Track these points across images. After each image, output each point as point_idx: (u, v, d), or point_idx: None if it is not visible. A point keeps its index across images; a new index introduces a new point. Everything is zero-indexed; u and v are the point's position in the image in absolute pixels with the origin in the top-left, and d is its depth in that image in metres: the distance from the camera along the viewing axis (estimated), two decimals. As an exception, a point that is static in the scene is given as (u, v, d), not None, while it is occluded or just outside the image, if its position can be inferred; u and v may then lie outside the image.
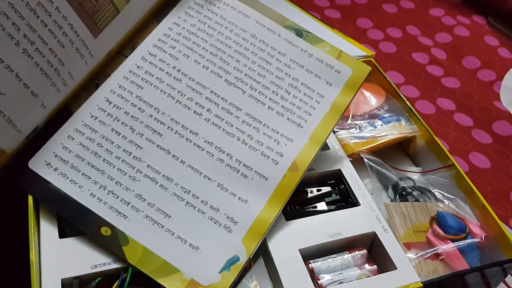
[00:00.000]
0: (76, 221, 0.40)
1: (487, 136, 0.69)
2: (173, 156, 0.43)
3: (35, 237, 0.40)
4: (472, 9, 0.94)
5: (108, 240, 0.40)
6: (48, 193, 0.41)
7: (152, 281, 0.39)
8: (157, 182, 0.42)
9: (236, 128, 0.45)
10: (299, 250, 0.42)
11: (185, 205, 0.42)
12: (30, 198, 0.41)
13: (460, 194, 0.50)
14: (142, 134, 0.44)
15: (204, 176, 0.43)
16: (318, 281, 0.41)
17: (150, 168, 0.43)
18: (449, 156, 0.51)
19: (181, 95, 0.46)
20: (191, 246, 0.40)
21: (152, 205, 0.41)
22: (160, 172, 0.43)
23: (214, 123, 0.45)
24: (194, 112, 0.45)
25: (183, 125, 0.45)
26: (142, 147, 0.43)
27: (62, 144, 0.43)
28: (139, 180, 0.42)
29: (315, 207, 0.47)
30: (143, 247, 0.40)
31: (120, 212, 0.41)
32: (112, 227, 0.40)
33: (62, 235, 0.41)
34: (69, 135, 0.43)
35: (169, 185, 0.42)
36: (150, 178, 0.42)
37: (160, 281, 0.39)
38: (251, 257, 0.41)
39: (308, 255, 0.42)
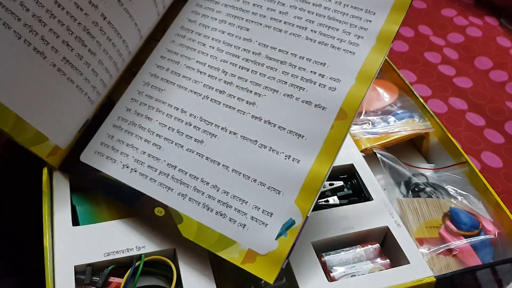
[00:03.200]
0: (130, 205, 0.41)
1: (499, 136, 0.69)
2: (216, 126, 0.43)
3: (49, 225, 0.40)
4: (484, 10, 0.93)
5: (162, 220, 0.40)
6: (100, 182, 0.42)
7: (164, 271, 0.39)
8: (202, 156, 0.42)
9: (282, 94, 0.43)
10: (311, 242, 0.42)
11: (230, 173, 0.41)
12: (44, 186, 0.42)
13: (473, 191, 0.49)
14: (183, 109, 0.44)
15: (254, 142, 0.42)
16: (331, 274, 0.41)
17: (193, 139, 0.42)
18: (462, 153, 0.51)
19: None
20: (244, 215, 0.39)
21: (197, 178, 0.41)
22: (203, 142, 0.42)
23: (251, 91, 0.44)
24: (225, 82, 0.45)
25: (231, 94, 0.44)
26: (183, 120, 0.44)
27: (107, 134, 0.44)
28: (184, 156, 0.42)
29: (327, 201, 0.47)
30: (197, 222, 0.39)
31: (170, 189, 0.41)
32: (164, 206, 0.40)
33: (75, 223, 0.41)
34: (114, 124, 0.45)
35: (211, 155, 0.42)
36: (193, 152, 0.42)
37: (219, 254, 0.38)
38: (308, 217, 0.38)
39: (321, 248, 0.42)
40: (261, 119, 0.42)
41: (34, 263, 0.40)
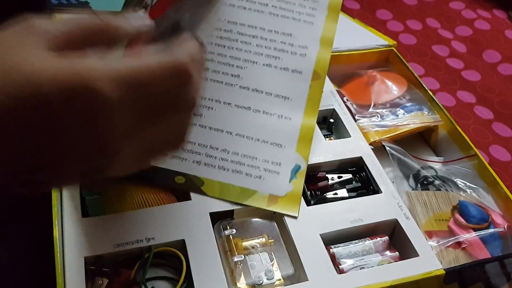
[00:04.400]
0: (151, 181, 0.44)
1: (507, 129, 0.69)
2: (210, 99, 0.47)
3: (58, 216, 0.40)
4: (492, 3, 0.93)
5: (184, 186, 0.43)
6: None
7: (173, 262, 0.40)
8: (205, 127, 0.46)
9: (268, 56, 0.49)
10: (320, 235, 0.42)
11: (235, 137, 0.46)
12: (54, 177, 0.42)
13: (482, 184, 0.49)
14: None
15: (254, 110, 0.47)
16: (340, 266, 0.41)
17: (202, 117, 0.46)
18: (471, 146, 0.51)
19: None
20: (257, 168, 0.45)
21: (206, 146, 0.45)
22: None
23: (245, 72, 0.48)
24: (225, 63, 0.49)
25: (232, 74, 0.48)
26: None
27: None
28: (196, 132, 0.46)
29: (336, 194, 0.47)
30: (218, 182, 0.44)
31: (184, 159, 0.44)
32: (184, 174, 0.44)
33: (85, 214, 0.41)
34: None
35: (213, 125, 0.46)
36: (195, 125, 0.45)
37: (246, 203, 0.43)
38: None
39: (330, 240, 0.42)
40: (249, 88, 0.47)
41: (45, 254, 0.40)
